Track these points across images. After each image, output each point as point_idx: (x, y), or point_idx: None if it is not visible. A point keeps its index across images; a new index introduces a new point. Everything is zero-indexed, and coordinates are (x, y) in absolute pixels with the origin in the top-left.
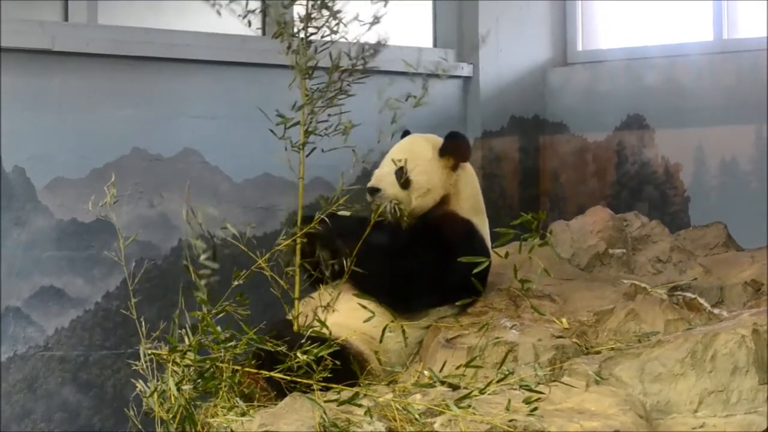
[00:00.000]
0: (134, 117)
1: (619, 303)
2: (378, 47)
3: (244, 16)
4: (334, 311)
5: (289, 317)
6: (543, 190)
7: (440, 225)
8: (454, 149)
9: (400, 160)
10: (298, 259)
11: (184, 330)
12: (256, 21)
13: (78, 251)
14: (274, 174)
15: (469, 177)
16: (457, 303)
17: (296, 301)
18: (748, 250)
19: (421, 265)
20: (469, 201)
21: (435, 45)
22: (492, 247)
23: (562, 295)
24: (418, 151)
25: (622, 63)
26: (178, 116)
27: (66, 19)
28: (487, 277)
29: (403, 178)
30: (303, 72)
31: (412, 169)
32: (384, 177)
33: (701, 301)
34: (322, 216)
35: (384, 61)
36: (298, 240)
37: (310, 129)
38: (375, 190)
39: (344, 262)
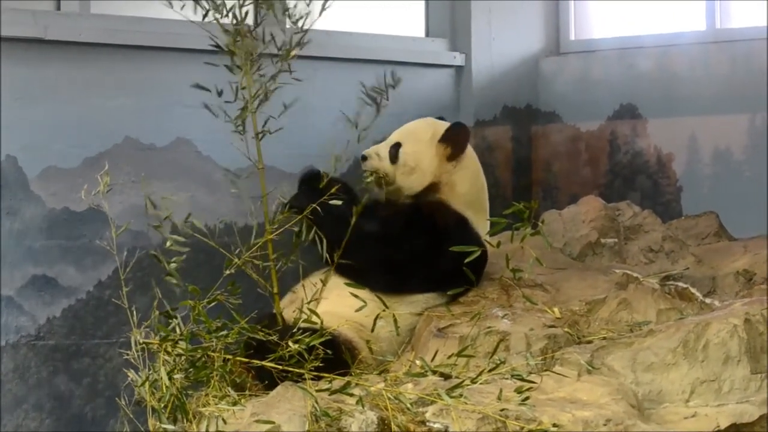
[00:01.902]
0: (127, 106)
1: (611, 292)
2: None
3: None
4: (321, 300)
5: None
6: (535, 180)
7: (427, 211)
8: (451, 139)
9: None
10: (270, 253)
11: (174, 319)
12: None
13: (70, 240)
14: (267, 163)
15: (469, 174)
16: (449, 292)
17: (275, 296)
18: (740, 239)
19: (404, 248)
20: (466, 197)
21: (427, 35)
22: (484, 238)
23: (554, 284)
24: (417, 132)
25: (614, 52)
26: (170, 106)
27: (58, 8)
28: (483, 269)
29: (395, 153)
30: (249, 57)
31: (405, 146)
32: (378, 148)
33: (693, 290)
34: (314, 205)
35: (376, 51)
36: (269, 236)
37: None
38: (364, 158)
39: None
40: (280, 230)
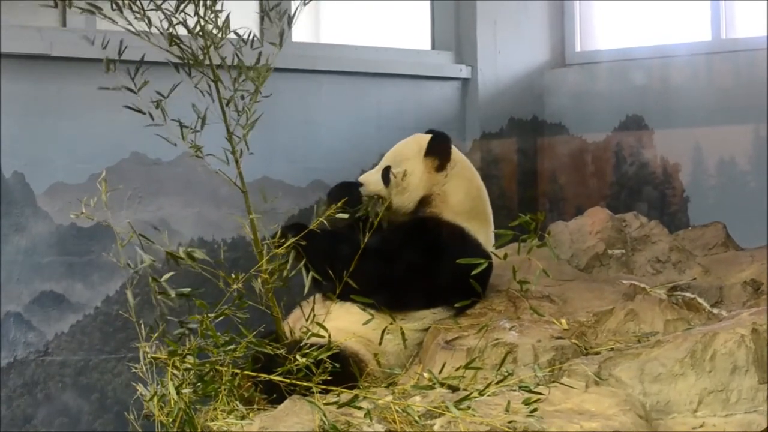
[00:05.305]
0: (133, 121)
1: (619, 303)
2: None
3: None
4: (328, 315)
5: (284, 328)
6: (542, 191)
7: (421, 227)
8: (436, 149)
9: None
10: (265, 276)
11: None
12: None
13: (77, 256)
14: (273, 178)
15: (463, 182)
16: (456, 305)
17: (275, 318)
18: (747, 249)
19: (401, 267)
20: (461, 206)
21: (433, 47)
22: (491, 249)
23: (562, 296)
24: (404, 151)
25: (619, 64)
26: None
27: (64, 24)
28: (488, 279)
29: (387, 175)
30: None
31: (394, 167)
32: (371, 174)
33: (700, 300)
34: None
35: (382, 64)
36: (264, 264)
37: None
38: (359, 185)
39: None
40: (270, 254)
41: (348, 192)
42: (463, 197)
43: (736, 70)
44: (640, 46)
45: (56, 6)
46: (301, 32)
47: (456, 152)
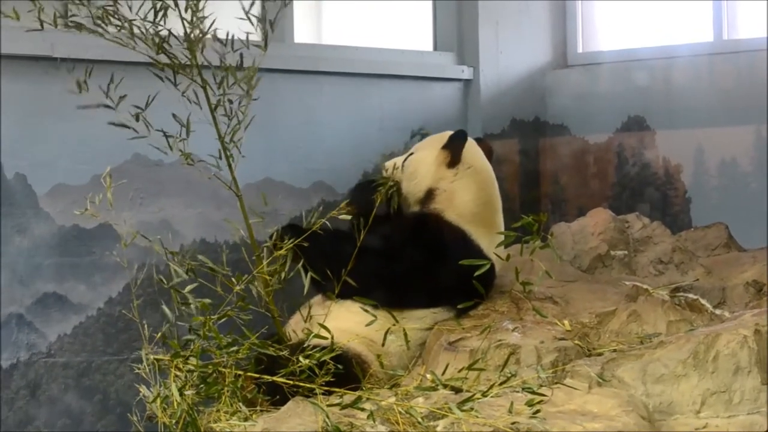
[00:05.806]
0: (134, 122)
1: (621, 304)
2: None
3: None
4: (330, 316)
5: (284, 330)
6: (544, 192)
7: (420, 224)
8: (450, 145)
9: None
10: (265, 278)
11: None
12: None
13: (80, 257)
14: (275, 179)
15: (473, 185)
16: (459, 306)
17: (276, 320)
18: (749, 250)
19: (396, 263)
20: (466, 207)
21: (435, 48)
22: (493, 251)
23: (564, 297)
24: (428, 141)
25: (622, 64)
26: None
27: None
28: (491, 284)
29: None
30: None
31: (413, 154)
32: (396, 159)
33: (703, 301)
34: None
35: (384, 65)
36: (261, 267)
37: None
38: (383, 168)
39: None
40: (270, 258)
41: (367, 191)
42: (470, 200)
43: (738, 71)
44: (642, 47)
45: (42, 29)
46: (303, 33)
47: (476, 156)
